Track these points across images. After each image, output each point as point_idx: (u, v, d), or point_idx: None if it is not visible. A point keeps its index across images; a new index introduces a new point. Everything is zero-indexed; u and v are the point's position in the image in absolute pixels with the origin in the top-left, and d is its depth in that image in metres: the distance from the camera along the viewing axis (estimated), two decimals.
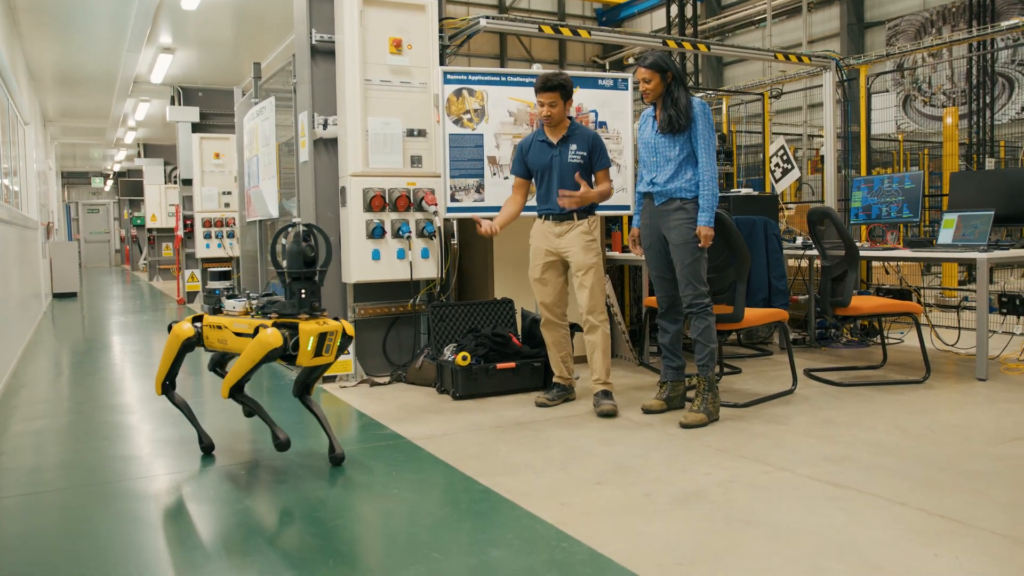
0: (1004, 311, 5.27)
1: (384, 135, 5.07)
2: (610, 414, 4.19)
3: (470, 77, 5.14)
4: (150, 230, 17.60)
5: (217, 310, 3.58)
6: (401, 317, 5.36)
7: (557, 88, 4.31)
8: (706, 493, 2.95)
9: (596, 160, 4.42)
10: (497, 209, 5.20)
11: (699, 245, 4.00)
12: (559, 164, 4.39)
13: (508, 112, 5.21)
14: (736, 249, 4.34)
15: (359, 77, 4.99)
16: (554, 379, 4.58)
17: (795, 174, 8.52)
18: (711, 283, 4.21)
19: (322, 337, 3.28)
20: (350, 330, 3.43)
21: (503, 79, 5.24)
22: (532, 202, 5.22)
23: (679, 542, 2.52)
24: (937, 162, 12.83)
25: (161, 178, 17.03)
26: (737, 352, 5.95)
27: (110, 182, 26.55)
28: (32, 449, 3.91)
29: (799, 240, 6.44)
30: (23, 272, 7.89)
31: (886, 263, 6.57)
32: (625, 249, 5.79)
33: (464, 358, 4.59)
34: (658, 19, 18.86)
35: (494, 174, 5.18)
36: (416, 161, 5.19)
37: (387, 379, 5.18)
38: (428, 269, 5.21)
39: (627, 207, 5.45)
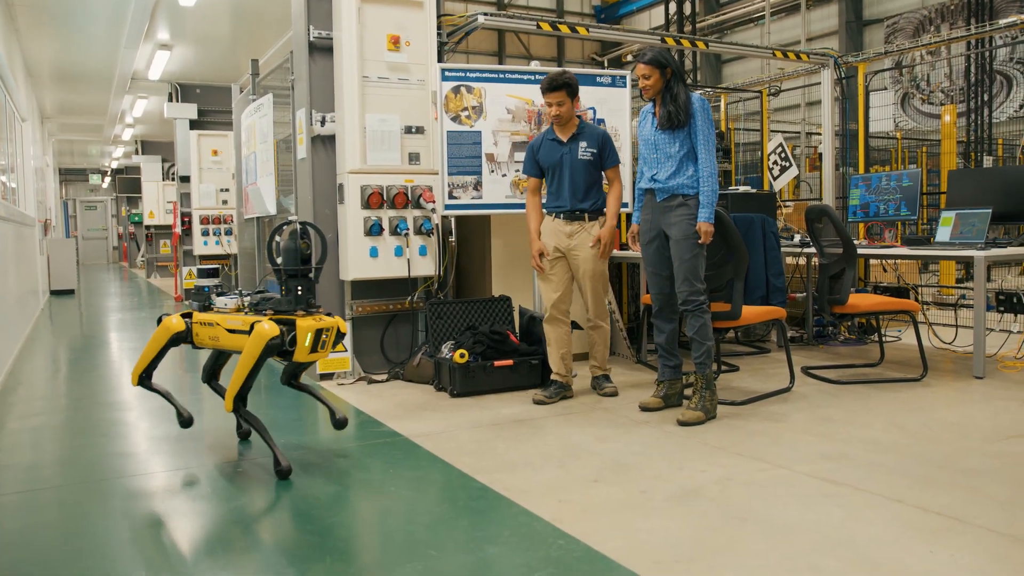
0: (1001, 309, 5.28)
1: (382, 132, 5.07)
2: (612, 394, 4.53)
3: (468, 74, 5.14)
4: (148, 227, 17.59)
5: (206, 307, 3.57)
6: (399, 314, 5.36)
7: (563, 87, 4.39)
8: (703, 490, 2.96)
9: (606, 157, 4.55)
10: (495, 207, 5.22)
11: (699, 241, 4.00)
12: (570, 161, 4.48)
13: (506, 109, 5.21)
14: (734, 247, 4.34)
15: (357, 74, 4.98)
16: (552, 376, 4.58)
17: (793, 172, 8.51)
18: (708, 280, 4.21)
19: (318, 333, 3.28)
20: (343, 327, 3.43)
21: (501, 76, 5.24)
22: (520, 199, 5.25)
23: (676, 539, 2.53)
24: (935, 160, 12.84)
25: (159, 175, 17.02)
26: (735, 350, 5.95)
27: (108, 179, 26.52)
28: (30, 446, 3.91)
29: (797, 238, 6.44)
30: (20, 269, 7.88)
31: (884, 261, 6.58)
32: (623, 247, 5.79)
33: (462, 355, 4.59)
34: (657, 16, 18.86)
35: (492, 171, 5.18)
36: (414, 158, 5.18)
37: (385, 376, 5.18)
38: (426, 266, 5.21)
39: (625, 204, 5.45)
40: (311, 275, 3.40)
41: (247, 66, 7.14)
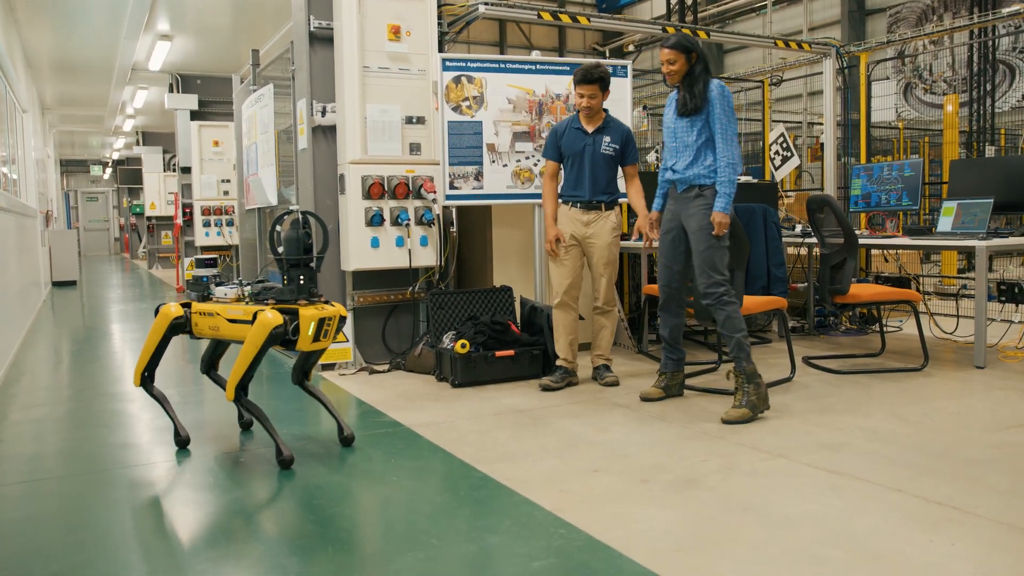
0: (1003, 299, 5.27)
1: (383, 122, 5.06)
2: (614, 384, 4.54)
3: (469, 64, 5.12)
4: (149, 218, 17.59)
5: (205, 297, 3.56)
6: (400, 305, 5.36)
7: (598, 80, 4.44)
8: (704, 480, 2.96)
9: (627, 154, 4.61)
10: (496, 197, 5.21)
11: (712, 233, 3.89)
12: (591, 154, 4.52)
13: (507, 99, 5.19)
14: (735, 237, 4.33)
15: (357, 64, 4.97)
16: (559, 362, 4.62)
17: (795, 162, 8.49)
18: None
19: (321, 322, 3.28)
20: (344, 313, 3.43)
21: (502, 66, 5.22)
22: (521, 189, 5.25)
23: (677, 529, 2.53)
24: (937, 150, 12.80)
25: (160, 166, 17.00)
26: None
27: (109, 170, 26.50)
28: (32, 437, 3.92)
29: (798, 228, 6.43)
30: (22, 260, 7.89)
31: (885, 251, 6.57)
32: (624, 237, 5.78)
33: (463, 346, 4.59)
34: (658, 6, 18.76)
35: (493, 161, 5.17)
36: (415, 148, 5.17)
37: (386, 367, 5.19)
38: (427, 257, 5.21)
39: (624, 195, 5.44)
40: (313, 264, 3.40)
41: (248, 56, 7.12)
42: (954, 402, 4.07)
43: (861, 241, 5.27)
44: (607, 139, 4.53)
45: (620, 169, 4.66)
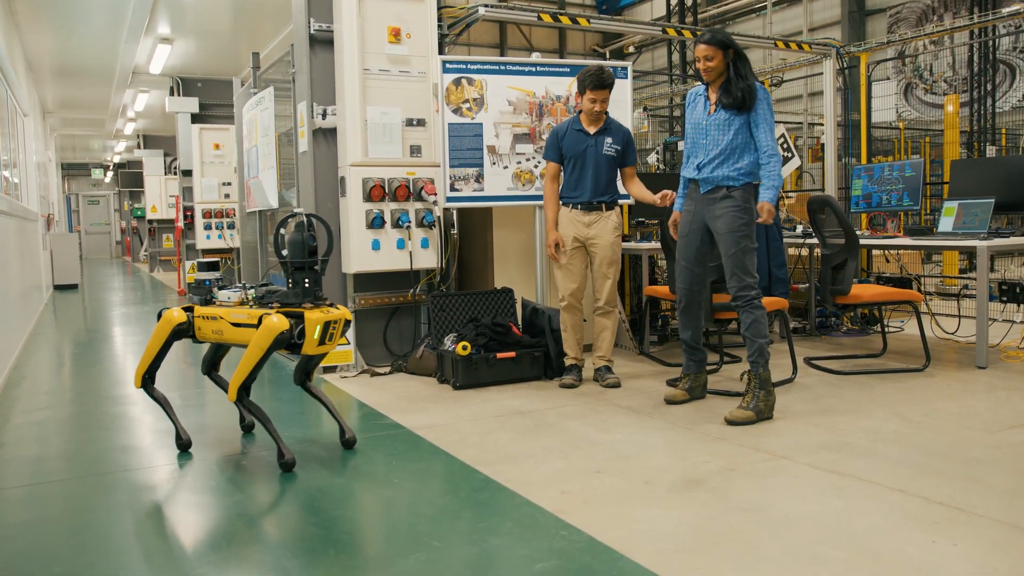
0: (1004, 299, 5.27)
1: (383, 125, 5.06)
2: (615, 386, 4.56)
3: (469, 66, 5.13)
4: (150, 221, 17.59)
5: (208, 301, 3.55)
6: (401, 307, 5.37)
7: (611, 87, 4.51)
8: (706, 481, 2.96)
9: (628, 155, 4.65)
10: (497, 199, 5.22)
11: (759, 220, 3.80)
12: (593, 155, 4.55)
13: (507, 101, 5.20)
14: None
15: (358, 66, 4.98)
16: (570, 361, 4.68)
17: (795, 162, 8.48)
18: (713, 271, 4.20)
19: (326, 325, 3.28)
20: (348, 316, 3.43)
21: (502, 68, 5.23)
22: (522, 191, 5.25)
23: (679, 530, 2.53)
24: (938, 150, 12.80)
25: (161, 169, 17.01)
26: (737, 341, 5.95)
27: (110, 173, 26.54)
28: (34, 440, 3.92)
29: (799, 229, 6.43)
30: (24, 264, 7.90)
31: (886, 251, 6.57)
32: (625, 238, 5.79)
33: (464, 348, 4.60)
34: (658, 7, 18.77)
35: (493, 163, 5.18)
36: (415, 151, 5.18)
37: (388, 369, 5.19)
38: (428, 259, 5.21)
39: (626, 196, 5.44)
40: (317, 268, 3.39)
41: (248, 59, 7.13)
42: (955, 402, 4.07)
43: (862, 241, 5.26)
44: (609, 140, 4.57)
45: (619, 170, 4.68)
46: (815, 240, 5.41)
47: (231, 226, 10.53)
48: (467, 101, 5.11)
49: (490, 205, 5.33)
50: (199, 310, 3.50)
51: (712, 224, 3.94)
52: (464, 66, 5.11)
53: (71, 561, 2.46)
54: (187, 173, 11.12)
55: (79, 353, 6.72)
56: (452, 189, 5.10)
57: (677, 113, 15.22)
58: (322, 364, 5.10)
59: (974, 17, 11.98)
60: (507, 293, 5.23)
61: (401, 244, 5.11)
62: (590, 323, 4.80)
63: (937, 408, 3.94)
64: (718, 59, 3.84)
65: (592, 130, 4.57)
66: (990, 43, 14.05)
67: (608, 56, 19.69)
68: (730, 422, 3.73)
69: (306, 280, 3.32)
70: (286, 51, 5.73)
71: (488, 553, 2.41)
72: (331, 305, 3.39)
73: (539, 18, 5.84)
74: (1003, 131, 13.90)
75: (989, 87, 14.02)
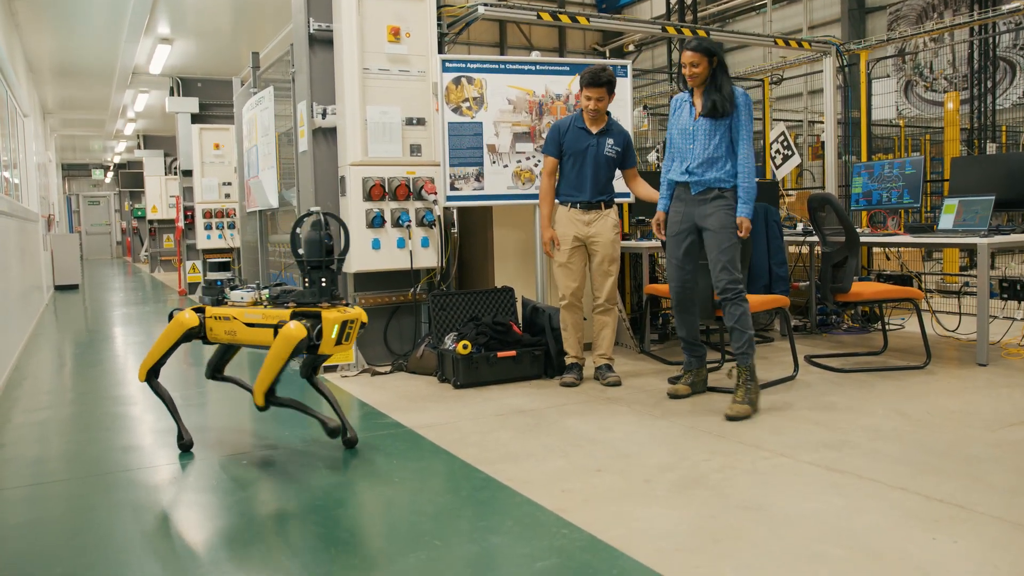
0: (1005, 296, 5.27)
1: (383, 124, 5.06)
2: (616, 384, 4.55)
3: (469, 65, 5.13)
4: (151, 221, 17.59)
5: (220, 301, 3.53)
6: (402, 306, 5.37)
7: (606, 84, 4.50)
8: (706, 479, 2.96)
9: (628, 157, 4.69)
10: (497, 198, 5.22)
11: (740, 234, 3.97)
12: (594, 155, 4.56)
13: (507, 100, 5.20)
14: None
15: (357, 66, 4.97)
16: (572, 360, 4.68)
17: (795, 160, 8.48)
18: (704, 269, 4.20)
19: (344, 325, 3.26)
20: (364, 317, 3.41)
21: (502, 67, 5.23)
22: (522, 190, 5.25)
23: (679, 528, 2.53)
24: (938, 147, 12.80)
25: (161, 169, 17.01)
26: None
27: (110, 174, 26.54)
28: (35, 440, 3.92)
29: (800, 226, 6.43)
30: (24, 264, 7.90)
31: (887, 249, 6.56)
32: (625, 237, 5.79)
33: (465, 347, 4.60)
34: (658, 6, 18.75)
35: (493, 162, 5.18)
36: (415, 150, 5.18)
37: (388, 368, 5.19)
38: (428, 258, 5.21)
39: (627, 194, 5.44)
40: (334, 267, 3.37)
41: (248, 59, 7.13)
42: (956, 400, 4.07)
43: (863, 239, 5.27)
44: (610, 141, 4.58)
45: (619, 171, 4.69)
46: (815, 238, 5.41)
47: (231, 226, 10.53)
48: (467, 100, 5.11)
49: (490, 204, 5.33)
50: (211, 310, 3.47)
51: (703, 222, 4.04)
52: (464, 65, 5.11)
53: (72, 562, 2.46)
54: (187, 173, 11.13)
55: (80, 353, 6.72)
56: (452, 188, 5.10)
57: None
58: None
59: (974, 14, 11.97)
60: (507, 292, 5.23)
61: (401, 243, 5.11)
62: (590, 321, 4.81)
63: (938, 406, 3.94)
64: (703, 66, 3.98)
65: (594, 129, 4.58)
66: (990, 40, 14.02)
67: (608, 54, 19.69)
68: (731, 418, 3.76)
69: (323, 279, 3.31)
70: (286, 51, 5.73)
71: (489, 552, 2.42)
72: (347, 304, 3.37)
73: (539, 17, 5.84)
74: (1003, 128, 13.89)
75: (989, 84, 14.00)
